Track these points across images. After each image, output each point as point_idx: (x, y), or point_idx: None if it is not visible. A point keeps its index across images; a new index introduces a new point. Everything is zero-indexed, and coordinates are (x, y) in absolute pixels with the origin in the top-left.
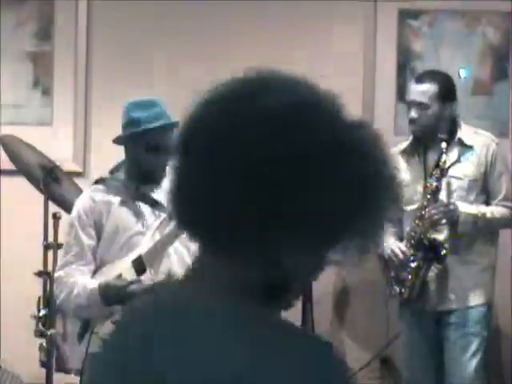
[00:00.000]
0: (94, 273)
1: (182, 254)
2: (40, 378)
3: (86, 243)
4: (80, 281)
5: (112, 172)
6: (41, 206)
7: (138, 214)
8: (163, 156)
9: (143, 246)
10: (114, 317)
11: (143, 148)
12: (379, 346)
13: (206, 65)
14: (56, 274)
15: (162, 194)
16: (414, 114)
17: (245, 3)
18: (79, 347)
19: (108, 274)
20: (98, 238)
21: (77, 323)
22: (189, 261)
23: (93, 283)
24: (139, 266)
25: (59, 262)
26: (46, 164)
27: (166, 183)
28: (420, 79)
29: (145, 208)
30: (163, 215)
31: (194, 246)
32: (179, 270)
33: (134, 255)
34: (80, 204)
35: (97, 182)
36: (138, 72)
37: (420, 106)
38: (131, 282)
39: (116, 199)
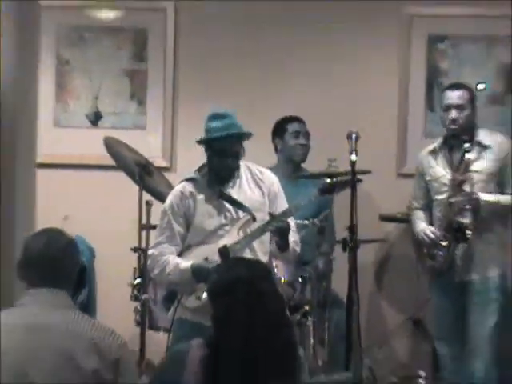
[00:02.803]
0: (179, 254)
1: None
2: (135, 335)
3: (177, 230)
4: (172, 260)
5: (199, 170)
6: (136, 195)
7: (221, 210)
8: (228, 159)
9: (228, 237)
10: (196, 292)
11: (213, 152)
12: (412, 310)
13: (267, 86)
14: (149, 251)
15: (241, 193)
16: (455, 115)
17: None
18: (166, 312)
19: (194, 257)
20: (187, 227)
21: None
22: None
23: (184, 263)
24: (225, 253)
25: (153, 242)
26: (141, 161)
27: (245, 184)
28: (455, 87)
29: (226, 205)
30: (244, 214)
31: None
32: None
33: (219, 244)
34: (173, 197)
35: (187, 179)
36: (216, 85)
37: (458, 107)
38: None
39: (201, 196)
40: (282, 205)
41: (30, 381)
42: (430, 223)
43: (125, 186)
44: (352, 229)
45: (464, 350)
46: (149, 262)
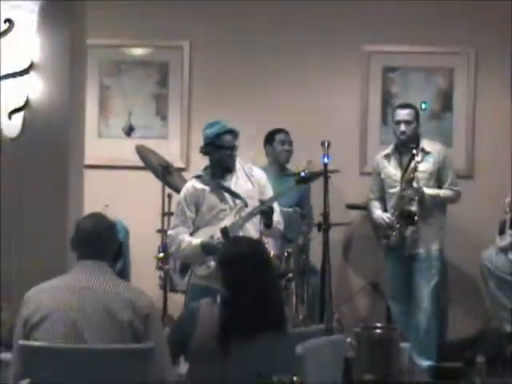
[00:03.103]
0: (191, 234)
1: (254, 228)
2: (159, 296)
3: (189, 215)
4: (185, 239)
5: (205, 169)
6: (160, 189)
7: (221, 199)
8: (227, 151)
9: (227, 220)
10: (206, 263)
11: (215, 151)
12: (371, 276)
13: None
14: (168, 232)
15: (237, 185)
16: (403, 128)
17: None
18: (182, 279)
19: (202, 236)
20: (196, 212)
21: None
22: (255, 233)
23: (195, 241)
24: (225, 232)
25: (171, 225)
26: (164, 163)
27: (239, 178)
28: (404, 106)
29: (225, 194)
30: (239, 201)
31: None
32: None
33: (220, 225)
34: (186, 190)
35: (196, 176)
36: (221, 104)
37: (407, 122)
38: (221, 242)
39: (207, 188)
40: (269, 193)
41: (79, 329)
42: (384, 210)
43: (151, 183)
44: (325, 214)
45: (411, 307)
46: (168, 240)
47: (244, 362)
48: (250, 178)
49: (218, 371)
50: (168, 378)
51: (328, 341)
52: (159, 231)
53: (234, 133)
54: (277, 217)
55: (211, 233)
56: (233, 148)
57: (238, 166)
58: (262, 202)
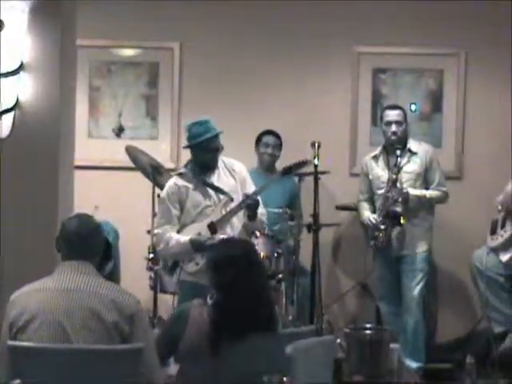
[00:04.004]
0: (178, 232)
1: (239, 222)
2: (149, 297)
3: (174, 213)
4: (173, 236)
5: (185, 166)
6: (150, 189)
7: (205, 195)
8: (210, 154)
9: (213, 215)
10: (194, 260)
11: (200, 151)
12: (360, 277)
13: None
14: (155, 231)
15: (220, 181)
16: (395, 128)
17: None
18: (172, 277)
19: (189, 233)
20: (181, 210)
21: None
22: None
23: (183, 238)
24: (213, 228)
25: (156, 224)
26: (154, 163)
27: (222, 173)
28: (393, 107)
29: (209, 190)
30: (223, 196)
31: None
32: (238, 231)
33: (207, 221)
34: (168, 188)
35: (178, 174)
36: (211, 104)
37: (397, 123)
38: (209, 238)
39: (190, 185)
40: (250, 186)
41: (65, 331)
42: (373, 211)
43: (141, 183)
44: (315, 216)
45: (400, 308)
46: (155, 239)
47: (234, 363)
48: (232, 172)
49: (208, 372)
50: (156, 379)
51: (318, 341)
52: (149, 232)
53: (218, 134)
54: (261, 209)
55: (198, 230)
56: (217, 150)
57: (219, 161)
58: (246, 196)
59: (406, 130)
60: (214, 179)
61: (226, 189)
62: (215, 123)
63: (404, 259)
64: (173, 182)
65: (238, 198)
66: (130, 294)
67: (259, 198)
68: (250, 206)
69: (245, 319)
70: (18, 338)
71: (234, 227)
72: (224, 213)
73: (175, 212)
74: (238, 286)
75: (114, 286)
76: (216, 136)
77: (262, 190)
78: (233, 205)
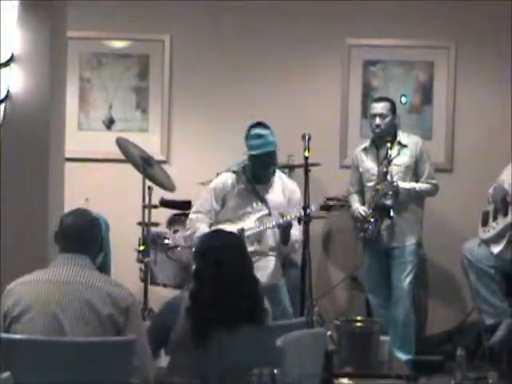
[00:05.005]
0: (210, 226)
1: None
2: (140, 289)
3: (214, 206)
4: (202, 229)
5: (244, 168)
6: (140, 181)
7: (249, 201)
8: (265, 168)
9: (247, 222)
10: None
11: (255, 162)
12: (350, 269)
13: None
14: (190, 215)
15: (270, 194)
16: (378, 121)
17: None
18: (164, 269)
19: None
20: (222, 207)
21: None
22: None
23: None
24: (240, 233)
25: (194, 209)
26: (144, 155)
27: (275, 188)
28: (379, 100)
29: (256, 199)
30: (265, 209)
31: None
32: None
33: (239, 226)
34: (218, 181)
35: (233, 171)
36: (202, 97)
37: (381, 116)
38: None
39: (239, 186)
40: (295, 210)
41: (59, 322)
42: (363, 204)
43: (132, 175)
44: (305, 208)
45: (389, 300)
46: (187, 222)
47: (223, 355)
48: (285, 191)
49: (198, 364)
50: (148, 371)
51: (308, 334)
52: (140, 224)
53: (275, 150)
54: (295, 236)
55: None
56: (270, 165)
57: (277, 175)
58: (281, 215)
59: (392, 122)
60: (266, 191)
61: (271, 204)
62: (273, 136)
63: (393, 251)
64: (225, 177)
65: (278, 216)
66: (124, 287)
67: (295, 223)
68: (281, 227)
69: (222, 310)
70: (11, 329)
71: (263, 243)
72: (257, 224)
73: (215, 206)
74: (212, 275)
75: (109, 278)
76: (271, 153)
77: (296, 217)
78: (270, 219)
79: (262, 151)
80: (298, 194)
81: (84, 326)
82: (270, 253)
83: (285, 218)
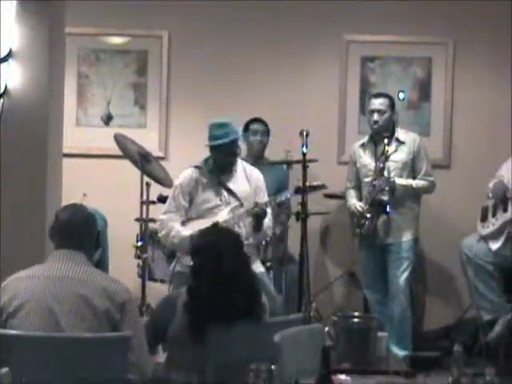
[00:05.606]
0: (182, 223)
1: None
2: (137, 285)
3: (182, 204)
4: (176, 227)
5: (205, 161)
6: (138, 177)
7: (217, 194)
8: (229, 157)
9: (220, 216)
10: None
11: (218, 152)
12: (347, 265)
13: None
14: (160, 216)
15: (235, 184)
16: (376, 117)
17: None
18: (161, 265)
19: (193, 228)
20: (190, 203)
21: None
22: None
23: (185, 232)
24: None
25: (163, 210)
26: (142, 151)
27: (239, 177)
28: (377, 95)
29: (222, 190)
30: (235, 200)
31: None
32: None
33: (213, 220)
34: (183, 177)
35: (196, 167)
36: (200, 93)
37: (379, 112)
38: None
39: (204, 180)
40: (263, 196)
41: (56, 318)
42: (360, 199)
43: (130, 171)
44: (303, 204)
45: (386, 296)
46: (158, 223)
47: (220, 351)
48: (249, 178)
49: (196, 359)
50: (145, 367)
51: (306, 329)
52: (138, 220)
53: (238, 138)
54: (268, 222)
55: (202, 226)
56: (234, 154)
57: (238, 165)
58: (256, 204)
59: (390, 118)
60: (230, 181)
61: (239, 194)
62: (236, 126)
63: (389, 248)
64: (188, 173)
65: (248, 205)
66: (120, 282)
67: (268, 209)
68: (257, 215)
69: (220, 306)
70: (8, 324)
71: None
72: (231, 216)
73: (184, 203)
74: (210, 271)
75: (104, 274)
76: (234, 141)
77: (271, 202)
78: (242, 210)
79: (226, 140)
80: (261, 177)
81: (80, 322)
82: (246, 242)
83: (284, 196)
